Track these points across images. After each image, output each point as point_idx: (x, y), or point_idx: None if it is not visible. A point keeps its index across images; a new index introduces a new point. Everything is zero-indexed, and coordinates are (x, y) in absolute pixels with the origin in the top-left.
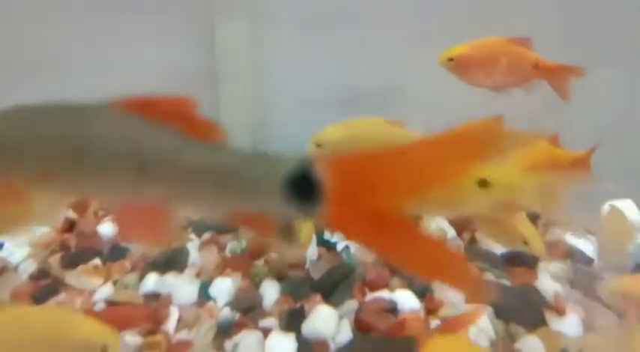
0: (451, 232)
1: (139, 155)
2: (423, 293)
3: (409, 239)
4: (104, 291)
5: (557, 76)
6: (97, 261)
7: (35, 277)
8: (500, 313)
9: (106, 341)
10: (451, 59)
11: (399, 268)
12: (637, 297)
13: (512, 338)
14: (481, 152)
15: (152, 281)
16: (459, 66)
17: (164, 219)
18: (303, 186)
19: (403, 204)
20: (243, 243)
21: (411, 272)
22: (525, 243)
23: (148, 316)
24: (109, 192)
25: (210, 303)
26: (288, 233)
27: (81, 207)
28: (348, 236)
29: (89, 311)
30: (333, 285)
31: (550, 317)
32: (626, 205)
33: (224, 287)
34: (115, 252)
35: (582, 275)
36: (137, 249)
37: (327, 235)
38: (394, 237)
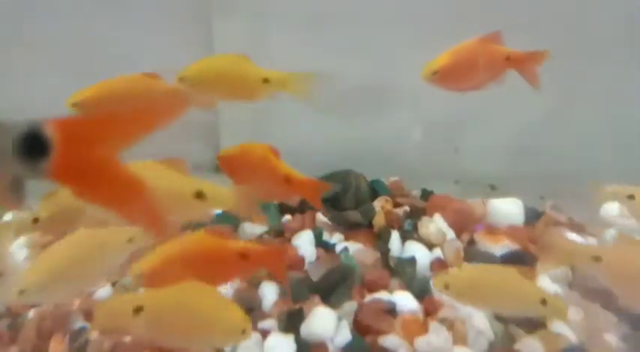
0: (450, 234)
1: None
2: (421, 294)
3: (117, 182)
4: (103, 292)
5: (526, 64)
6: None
7: None
8: (500, 314)
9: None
10: (435, 72)
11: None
12: None
13: (512, 339)
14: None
15: None
16: (444, 77)
17: None
18: (33, 146)
19: (114, 153)
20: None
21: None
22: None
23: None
24: None
25: None
26: (15, 190)
27: None
28: (70, 185)
29: (88, 313)
30: (332, 287)
31: (549, 319)
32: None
33: (222, 289)
34: None
35: (581, 276)
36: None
37: (325, 236)
38: (106, 183)
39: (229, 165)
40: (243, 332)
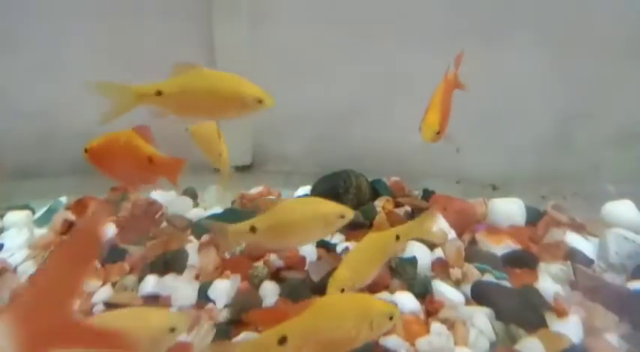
0: (451, 234)
1: None
2: (423, 294)
3: None
4: (103, 293)
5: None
6: (95, 263)
7: None
8: (501, 314)
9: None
10: (438, 132)
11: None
12: None
13: (513, 339)
14: None
15: (151, 283)
16: (442, 132)
17: None
18: None
19: None
20: (242, 245)
21: None
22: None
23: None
24: None
25: (210, 305)
26: None
27: (80, 209)
28: None
29: (88, 313)
30: None
31: (550, 319)
32: (625, 206)
33: (223, 289)
34: (114, 254)
35: (583, 276)
36: (136, 250)
37: (326, 237)
38: None
39: (97, 157)
40: (391, 318)
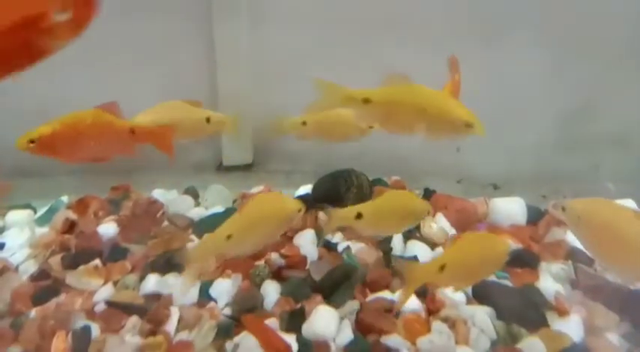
0: (452, 233)
1: None
2: (423, 293)
3: None
4: (104, 292)
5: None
6: (97, 262)
7: (36, 278)
8: (502, 314)
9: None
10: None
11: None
12: None
13: (514, 338)
14: None
15: (152, 282)
16: None
17: None
18: None
19: None
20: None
21: None
22: None
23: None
24: None
25: (211, 304)
26: None
27: (81, 208)
28: None
29: (90, 312)
30: (334, 286)
31: (551, 318)
32: (626, 205)
33: (224, 288)
34: (116, 253)
35: (584, 275)
36: (138, 249)
37: (327, 235)
38: None
39: (52, 144)
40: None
